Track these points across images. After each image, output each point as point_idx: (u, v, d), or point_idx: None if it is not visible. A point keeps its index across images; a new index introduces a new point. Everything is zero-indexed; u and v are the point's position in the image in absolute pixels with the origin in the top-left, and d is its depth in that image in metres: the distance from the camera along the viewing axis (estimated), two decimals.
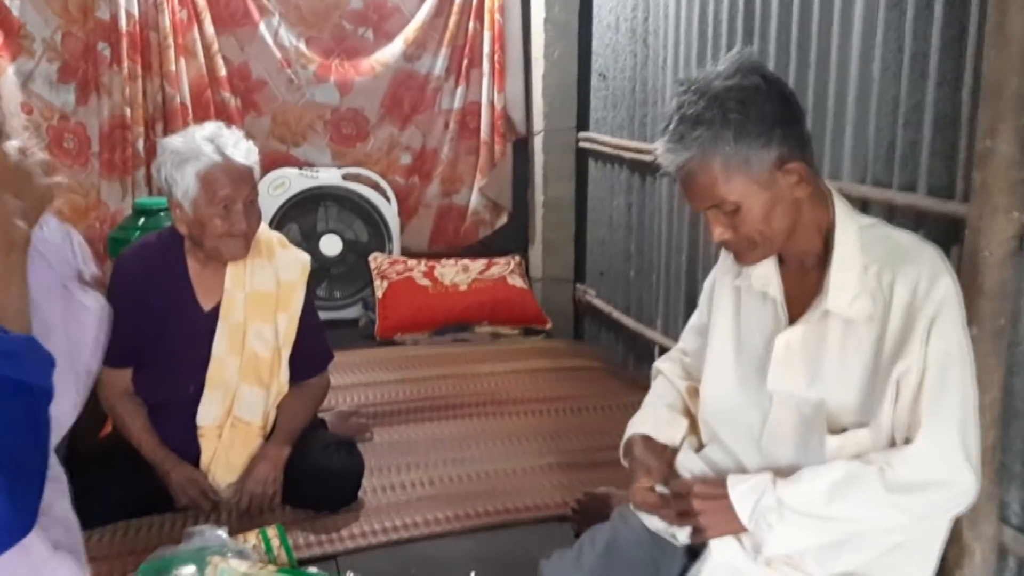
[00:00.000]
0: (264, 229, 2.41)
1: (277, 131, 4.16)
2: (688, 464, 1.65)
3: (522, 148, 4.33)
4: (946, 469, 1.39)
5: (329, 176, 4.08)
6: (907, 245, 1.50)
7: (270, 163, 3.97)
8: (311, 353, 2.45)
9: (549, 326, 3.95)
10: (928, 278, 1.43)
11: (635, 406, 3.09)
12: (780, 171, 1.44)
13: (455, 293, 3.90)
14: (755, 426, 1.57)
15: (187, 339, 2.32)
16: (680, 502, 1.52)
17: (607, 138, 3.77)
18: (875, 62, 2.21)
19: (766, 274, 1.59)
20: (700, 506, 1.48)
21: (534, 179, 4.27)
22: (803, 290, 1.55)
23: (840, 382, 1.48)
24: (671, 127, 1.46)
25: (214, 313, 2.33)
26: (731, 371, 1.64)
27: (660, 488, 1.59)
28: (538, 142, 4.20)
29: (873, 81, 2.23)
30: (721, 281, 1.71)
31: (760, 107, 1.42)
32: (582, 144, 4.04)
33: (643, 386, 3.26)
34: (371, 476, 2.49)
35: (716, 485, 1.49)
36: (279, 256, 2.41)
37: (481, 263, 4.05)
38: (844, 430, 1.47)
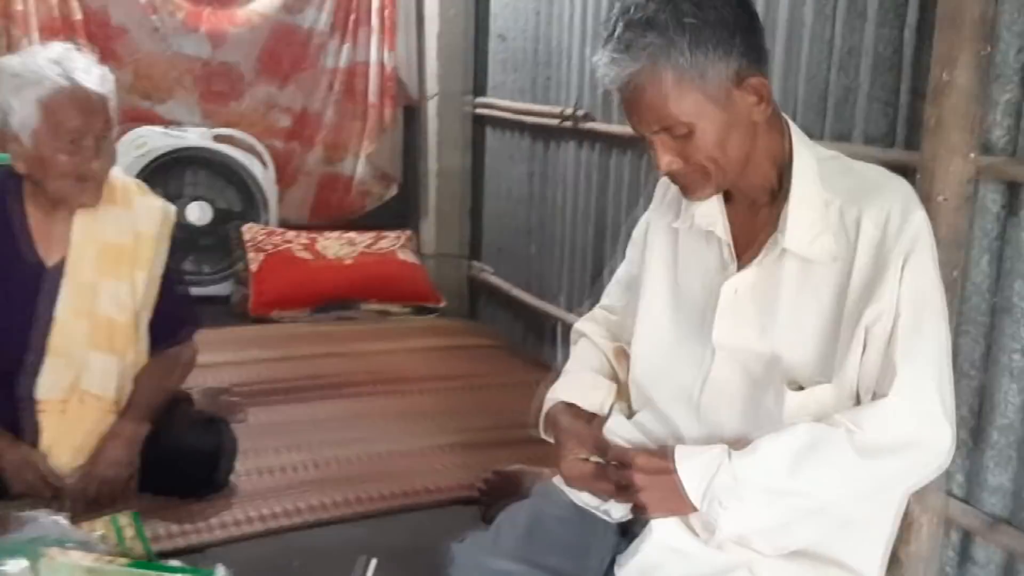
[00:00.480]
0: (120, 173, 2.11)
1: (139, 85, 3.84)
2: (620, 431, 1.46)
3: (413, 114, 4.17)
4: (923, 426, 1.24)
5: (197, 137, 3.79)
6: (873, 177, 1.35)
7: (130, 121, 3.66)
8: (175, 317, 2.17)
9: (442, 305, 3.75)
10: (899, 213, 1.27)
11: (539, 384, 2.96)
12: (738, 88, 1.27)
13: (339, 267, 3.64)
14: (694, 387, 1.39)
15: (24, 299, 2.00)
16: (619, 473, 1.33)
17: (506, 103, 3.62)
18: (807, 4, 2.10)
19: (711, 212, 1.41)
20: (643, 481, 1.29)
21: (426, 147, 4.08)
22: (753, 230, 1.38)
23: (798, 333, 1.31)
24: (616, 33, 1.26)
25: (58, 269, 2.02)
26: (667, 324, 1.46)
27: (594, 459, 1.38)
28: (431, 107, 4.01)
29: (804, 26, 2.11)
30: (656, 224, 1.53)
31: (718, 10, 1.25)
32: (479, 110, 3.89)
33: (546, 365, 3.15)
34: (245, 458, 2.22)
35: (661, 457, 1.30)
36: (138, 204, 2.11)
37: (368, 236, 3.82)
38: (801, 388, 1.30)
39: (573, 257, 3.22)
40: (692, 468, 1.26)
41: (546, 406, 1.54)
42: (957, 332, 1.67)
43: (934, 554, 1.78)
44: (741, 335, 1.35)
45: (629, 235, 1.62)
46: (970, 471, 1.76)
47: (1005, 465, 1.72)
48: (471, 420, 2.59)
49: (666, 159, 1.30)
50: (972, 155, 1.63)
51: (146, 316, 2.09)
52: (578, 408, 1.51)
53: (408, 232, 3.89)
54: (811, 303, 1.31)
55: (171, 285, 2.15)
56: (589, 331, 1.63)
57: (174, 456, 2.02)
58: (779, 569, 1.31)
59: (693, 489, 1.25)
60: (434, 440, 2.43)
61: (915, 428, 1.24)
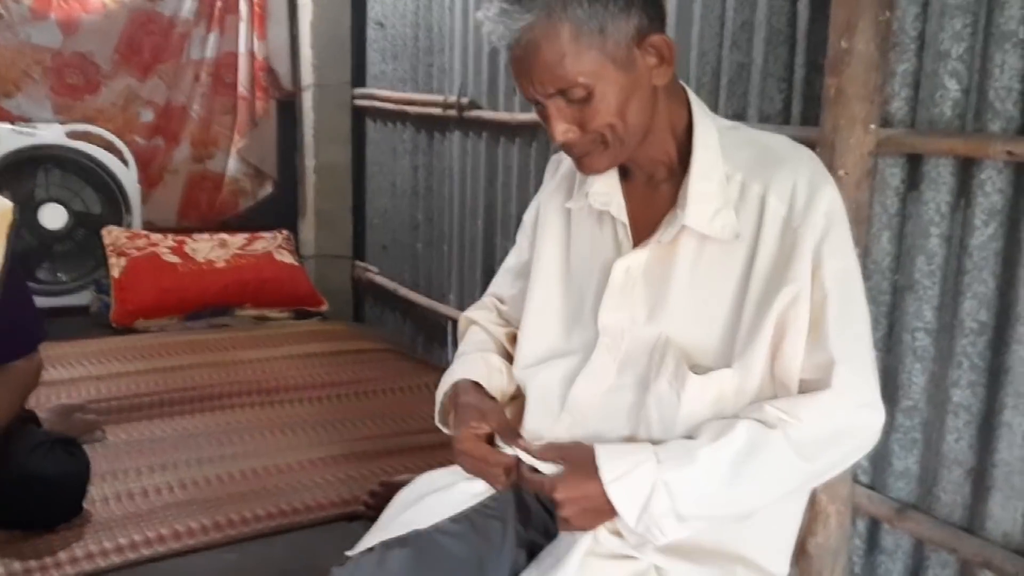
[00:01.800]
0: None
1: None
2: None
3: (288, 107, 3.95)
4: (862, 415, 1.16)
5: (50, 134, 3.49)
6: (777, 148, 1.24)
7: None
8: (16, 327, 1.95)
9: (325, 308, 3.56)
10: (806, 186, 1.17)
11: (434, 386, 2.77)
12: (639, 47, 1.15)
13: (211, 271, 3.39)
14: (571, 377, 1.27)
15: None
16: (536, 481, 1.18)
17: (387, 93, 3.48)
18: None
19: (607, 190, 1.29)
20: (571, 512, 1.15)
21: (303, 142, 3.90)
22: (651, 209, 1.26)
23: (696, 315, 1.20)
24: None
25: None
26: (556, 313, 1.33)
27: (503, 446, 1.23)
28: (307, 99, 3.84)
29: (695, 0, 2.02)
30: (547, 206, 1.40)
31: None
32: (358, 101, 3.73)
33: (437, 368, 3.00)
34: (102, 483, 2.01)
35: (584, 479, 1.15)
36: None
37: (242, 238, 3.59)
38: (703, 371, 1.19)
39: (463, 253, 3.09)
40: (624, 490, 1.13)
41: (443, 388, 1.38)
42: None
43: (842, 544, 1.72)
44: (628, 318, 1.23)
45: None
46: (875, 456, 1.71)
47: (911, 448, 1.67)
48: (356, 429, 2.41)
49: (561, 127, 1.17)
50: (873, 126, 1.57)
51: None
52: (481, 387, 1.36)
53: (286, 232, 3.69)
54: (712, 284, 1.20)
55: (13, 292, 1.90)
56: (479, 318, 1.49)
57: (18, 483, 1.81)
58: (685, 570, 1.21)
59: (627, 513, 1.13)
60: (315, 453, 2.24)
61: (855, 418, 1.16)
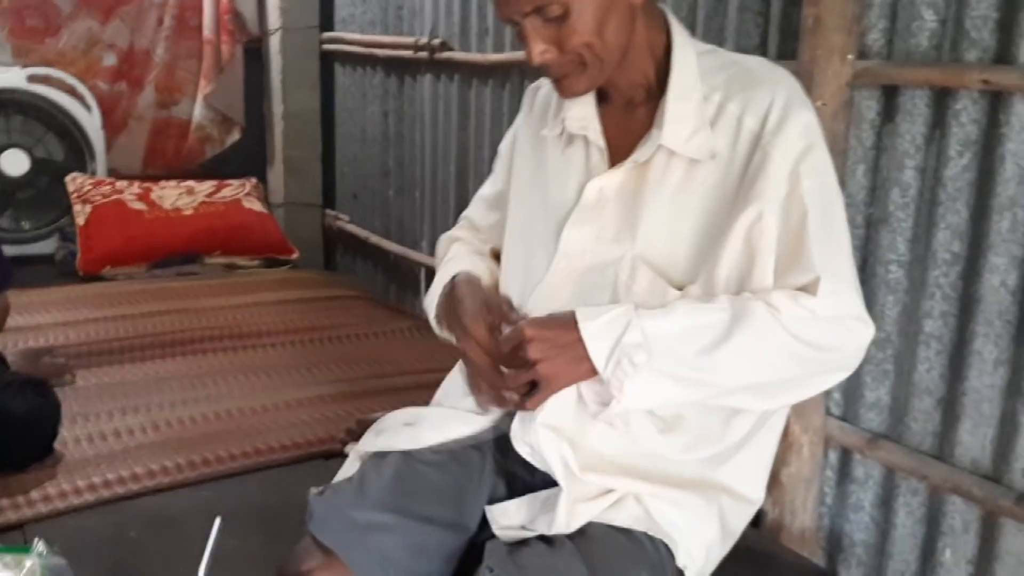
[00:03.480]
0: None
1: None
2: None
3: (255, 51, 3.85)
4: (847, 320, 1.13)
5: (9, 78, 3.39)
6: (756, 69, 1.23)
7: None
8: None
9: (295, 256, 3.50)
10: (782, 106, 1.16)
11: (408, 331, 2.78)
12: None
13: (178, 219, 3.33)
14: (523, 298, 1.26)
15: None
16: (512, 357, 1.15)
17: (356, 36, 3.40)
18: None
19: (584, 115, 1.27)
20: (539, 352, 1.12)
21: (271, 88, 3.80)
22: (628, 133, 1.25)
23: (667, 234, 1.19)
24: None
25: None
26: (530, 242, 1.32)
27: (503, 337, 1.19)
28: (274, 43, 3.73)
29: None
30: (523, 134, 1.39)
31: None
32: (326, 45, 3.64)
33: (411, 314, 3.00)
34: (73, 425, 1.98)
35: (558, 323, 1.13)
36: None
37: (210, 185, 3.51)
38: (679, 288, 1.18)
39: (435, 198, 3.05)
40: (599, 327, 1.10)
41: (437, 288, 1.36)
42: None
43: (815, 474, 1.74)
44: (592, 236, 1.22)
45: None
46: (847, 388, 1.73)
47: (882, 380, 1.69)
48: (331, 372, 2.40)
49: (539, 47, 1.15)
50: (849, 56, 1.56)
51: None
52: (476, 280, 1.33)
53: (254, 180, 3.61)
54: (684, 202, 1.18)
55: None
56: (463, 236, 1.48)
57: None
58: (666, 496, 1.21)
59: (598, 350, 1.10)
60: (290, 395, 2.22)
61: (845, 321, 1.13)
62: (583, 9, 1.12)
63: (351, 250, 3.68)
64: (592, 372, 1.11)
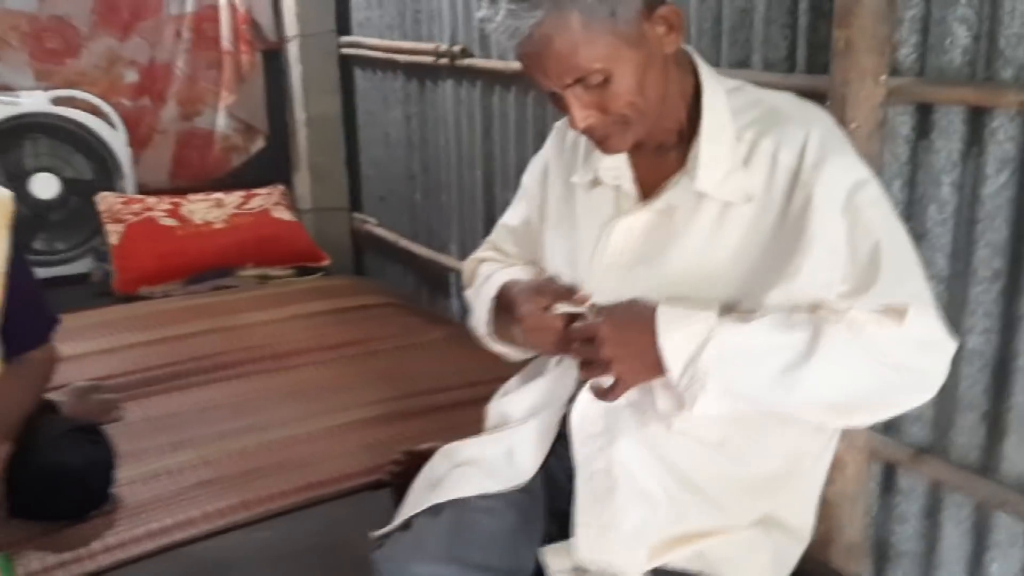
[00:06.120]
0: None
1: None
2: None
3: (274, 59, 3.84)
4: (935, 354, 1.14)
5: (34, 102, 3.39)
6: (785, 107, 1.23)
7: None
8: (28, 319, 1.90)
9: (327, 263, 3.51)
10: (819, 143, 1.16)
11: (444, 341, 2.79)
12: (648, 20, 1.13)
13: (209, 233, 3.35)
14: None
15: None
16: (587, 349, 1.19)
17: (375, 41, 3.38)
18: None
19: (617, 164, 1.29)
20: (613, 351, 1.16)
21: (292, 94, 3.80)
22: (658, 174, 1.26)
23: (700, 274, 1.20)
24: None
25: None
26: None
27: (561, 308, 1.23)
28: (293, 50, 3.72)
29: None
30: (555, 174, 1.40)
31: None
32: (345, 50, 3.63)
33: (445, 320, 3.01)
34: (126, 465, 1.99)
35: (636, 325, 1.16)
36: None
37: (238, 196, 3.52)
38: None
39: (462, 202, 3.05)
40: (674, 343, 1.13)
41: (485, 305, 1.39)
42: None
43: (860, 491, 1.75)
44: (618, 279, 1.24)
45: (520, 175, 1.49)
46: None
47: None
48: (370, 392, 2.41)
49: (582, 114, 1.15)
50: (883, 78, 1.54)
51: None
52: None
53: (281, 187, 3.62)
54: (722, 242, 1.19)
55: (20, 283, 1.86)
56: (487, 256, 1.52)
57: (44, 475, 1.77)
58: (727, 540, 1.24)
59: (674, 363, 1.13)
60: (332, 420, 2.24)
61: (931, 354, 1.14)
62: (624, 72, 1.12)
63: (380, 253, 3.70)
64: (665, 373, 1.14)
